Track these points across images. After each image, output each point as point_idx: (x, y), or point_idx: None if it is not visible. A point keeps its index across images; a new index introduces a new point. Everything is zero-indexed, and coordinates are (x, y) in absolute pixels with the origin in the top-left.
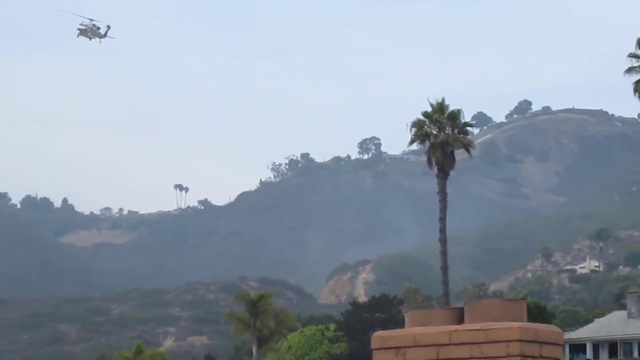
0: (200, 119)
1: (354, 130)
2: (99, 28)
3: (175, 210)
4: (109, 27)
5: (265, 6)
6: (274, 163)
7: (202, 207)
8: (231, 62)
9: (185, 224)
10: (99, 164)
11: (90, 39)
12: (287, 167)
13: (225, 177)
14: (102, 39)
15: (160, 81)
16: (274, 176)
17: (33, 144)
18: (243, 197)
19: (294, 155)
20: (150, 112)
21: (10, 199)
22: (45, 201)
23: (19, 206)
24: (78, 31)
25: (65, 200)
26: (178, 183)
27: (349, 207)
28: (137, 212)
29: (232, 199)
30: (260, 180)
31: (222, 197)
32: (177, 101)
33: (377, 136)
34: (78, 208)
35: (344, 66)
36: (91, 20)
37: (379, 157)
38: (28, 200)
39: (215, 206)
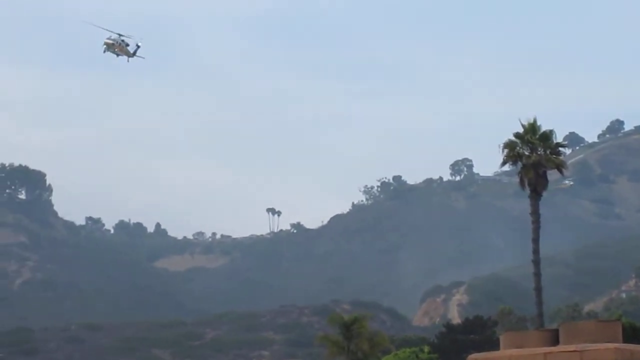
0: (292, 142)
1: (445, 152)
2: (127, 45)
3: (268, 234)
4: (138, 45)
5: (357, 28)
6: (366, 186)
7: (295, 231)
8: (322, 85)
9: (278, 248)
10: (191, 188)
11: (117, 55)
12: (379, 189)
13: (317, 201)
14: (130, 58)
15: (250, 105)
16: (366, 199)
17: (125, 170)
18: (335, 220)
19: (386, 178)
20: (241, 136)
21: (103, 225)
22: (139, 226)
23: (112, 231)
24: (105, 46)
25: (158, 225)
26: (270, 207)
27: (441, 228)
28: (230, 236)
29: (325, 222)
30: (353, 203)
31: (314, 220)
32: (269, 125)
33: (469, 157)
34: (171, 233)
35: (435, 87)
36: (120, 35)
37: (471, 178)
38: (121, 226)
39: (308, 229)
